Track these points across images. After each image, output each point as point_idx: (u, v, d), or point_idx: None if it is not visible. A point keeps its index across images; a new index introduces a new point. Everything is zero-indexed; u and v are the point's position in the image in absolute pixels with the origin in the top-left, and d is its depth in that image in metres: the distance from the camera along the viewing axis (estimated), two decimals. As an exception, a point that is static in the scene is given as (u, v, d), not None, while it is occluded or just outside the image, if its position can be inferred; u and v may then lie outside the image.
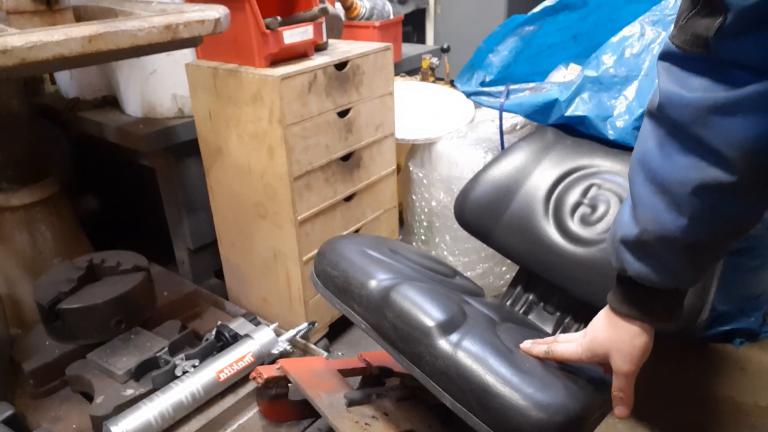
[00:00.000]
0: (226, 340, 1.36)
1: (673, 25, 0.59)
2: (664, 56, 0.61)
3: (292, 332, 1.40)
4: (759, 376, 1.58)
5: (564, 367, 0.87)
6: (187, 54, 1.58)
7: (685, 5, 0.57)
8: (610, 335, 0.73)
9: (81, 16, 1.21)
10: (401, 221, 2.07)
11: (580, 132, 1.30)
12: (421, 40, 3.40)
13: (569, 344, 0.81)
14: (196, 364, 1.28)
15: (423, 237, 2.01)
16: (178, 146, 1.65)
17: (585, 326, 1.17)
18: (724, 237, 0.64)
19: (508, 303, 1.29)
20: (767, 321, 1.74)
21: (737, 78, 0.53)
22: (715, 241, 0.64)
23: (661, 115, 0.61)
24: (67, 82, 1.91)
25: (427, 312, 0.88)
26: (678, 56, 0.58)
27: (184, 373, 1.26)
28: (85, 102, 1.89)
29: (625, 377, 0.73)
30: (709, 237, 0.63)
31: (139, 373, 1.27)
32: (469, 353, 0.82)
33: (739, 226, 0.63)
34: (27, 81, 1.82)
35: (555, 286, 1.19)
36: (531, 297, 1.28)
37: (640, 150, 0.65)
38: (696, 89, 0.56)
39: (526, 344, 0.86)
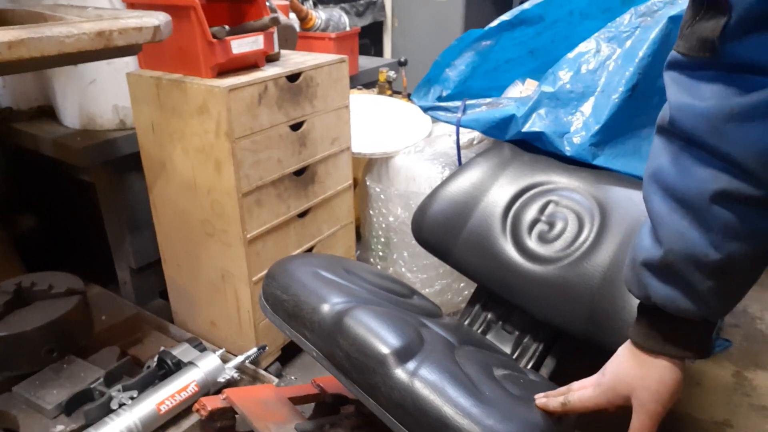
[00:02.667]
0: (168, 368, 1.27)
1: (678, 38, 0.57)
2: (671, 65, 0.58)
3: (240, 358, 1.32)
4: (714, 391, 1.59)
5: (524, 395, 0.83)
6: (130, 62, 1.49)
7: (688, 15, 0.55)
8: (636, 372, 0.65)
9: (7, 20, 1.12)
10: (358, 236, 2.02)
11: (537, 148, 1.28)
12: (379, 53, 3.38)
13: (585, 390, 0.72)
14: (135, 395, 1.19)
15: (381, 253, 1.96)
16: (119, 160, 1.56)
17: (544, 346, 1.16)
18: (760, 254, 0.58)
19: (466, 322, 1.25)
20: (721, 335, 1.77)
21: (748, 82, 0.51)
22: (749, 260, 0.58)
23: (673, 129, 0.58)
24: (-1, 90, 1.79)
25: (383, 338, 0.83)
26: (684, 64, 0.56)
27: (121, 405, 1.17)
28: (19, 112, 1.76)
29: (650, 419, 0.65)
30: (743, 253, 0.57)
31: (70, 407, 1.17)
32: (427, 383, 0.78)
33: None
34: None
35: (514, 305, 1.17)
36: (489, 316, 1.25)
37: (653, 167, 0.61)
38: (708, 98, 0.54)
39: (541, 400, 0.78)
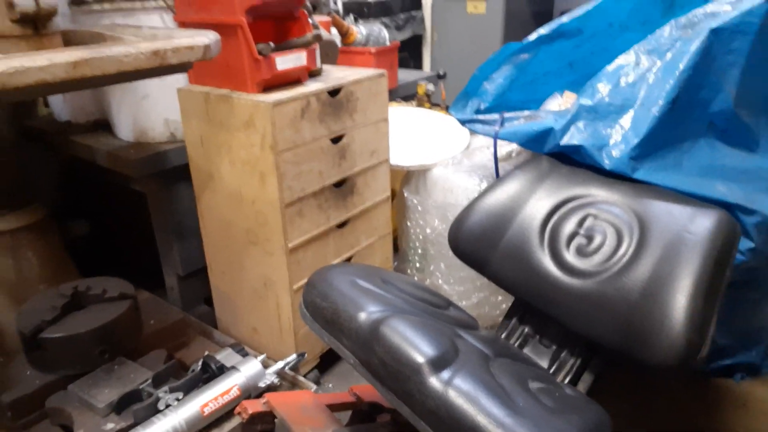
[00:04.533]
0: (212, 372, 1.32)
1: None
2: None
3: (280, 364, 1.36)
4: (762, 413, 1.53)
5: (559, 407, 0.83)
6: (180, 78, 1.57)
7: None
8: None
9: (70, 40, 1.20)
10: (396, 248, 2.04)
11: (575, 161, 1.28)
12: (418, 66, 3.41)
13: None
14: (180, 397, 1.24)
15: (418, 264, 1.98)
16: (169, 171, 1.63)
17: (582, 361, 1.15)
18: None
19: (503, 336, 1.26)
20: (769, 356, 1.70)
21: None
22: None
23: None
24: (60, 105, 1.90)
25: (418, 347, 0.85)
26: None
27: (168, 406, 1.22)
28: (77, 125, 1.87)
29: None
30: None
31: (120, 406, 1.23)
32: (461, 392, 0.79)
33: None
34: (18, 104, 1.80)
35: (551, 319, 1.16)
36: (527, 329, 1.25)
37: None
38: None
39: None
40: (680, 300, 0.95)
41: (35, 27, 1.03)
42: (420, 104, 2.34)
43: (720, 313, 1.00)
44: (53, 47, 1.05)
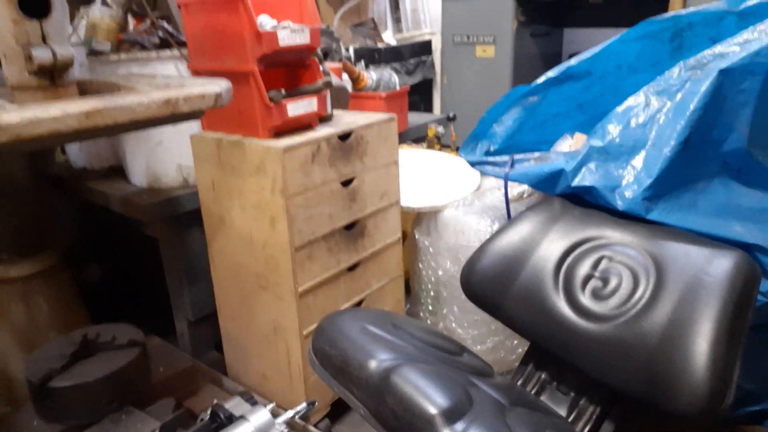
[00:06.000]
0: (220, 422, 1.28)
1: None
2: None
3: (290, 413, 1.32)
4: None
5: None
6: (193, 125, 1.59)
7: None
8: None
9: (86, 90, 1.22)
10: (408, 290, 2.02)
11: (588, 201, 1.27)
12: (428, 109, 3.45)
13: None
14: (188, 448, 1.21)
15: (430, 307, 1.95)
16: (181, 216, 1.64)
17: (602, 409, 1.11)
18: None
19: (519, 382, 1.22)
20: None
21: None
22: None
23: None
24: (76, 152, 1.94)
25: (430, 398, 0.83)
26: None
27: (174, 458, 1.19)
28: (92, 171, 1.90)
29: None
30: None
31: (126, 458, 1.20)
32: (475, 445, 0.76)
33: None
34: (36, 152, 1.84)
35: (569, 364, 1.13)
36: (543, 376, 1.21)
37: None
38: None
39: None
40: (701, 344, 0.91)
41: (52, 78, 1.05)
42: (430, 146, 2.36)
43: (744, 357, 0.96)
44: (68, 97, 1.07)
